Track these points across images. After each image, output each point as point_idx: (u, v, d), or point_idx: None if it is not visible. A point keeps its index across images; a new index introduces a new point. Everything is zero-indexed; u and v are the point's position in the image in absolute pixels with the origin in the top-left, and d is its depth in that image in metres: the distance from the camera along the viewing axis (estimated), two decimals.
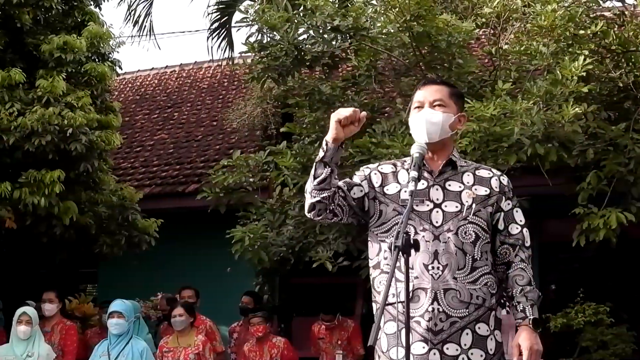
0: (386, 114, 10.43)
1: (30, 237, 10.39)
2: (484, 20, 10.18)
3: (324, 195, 4.20)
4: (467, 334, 4.14)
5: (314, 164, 4.20)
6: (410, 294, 4.01)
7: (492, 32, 10.29)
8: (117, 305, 8.49)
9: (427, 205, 4.23)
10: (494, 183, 4.34)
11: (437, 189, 4.28)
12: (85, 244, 11.03)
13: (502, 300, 4.35)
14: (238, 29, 10.18)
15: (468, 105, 8.38)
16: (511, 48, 9.65)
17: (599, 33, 8.81)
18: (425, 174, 4.29)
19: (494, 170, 4.44)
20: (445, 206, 4.23)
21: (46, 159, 9.89)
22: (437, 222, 4.20)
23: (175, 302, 10.50)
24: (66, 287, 12.93)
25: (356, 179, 4.38)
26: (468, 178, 4.33)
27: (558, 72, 8.50)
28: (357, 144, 8.88)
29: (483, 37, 11.35)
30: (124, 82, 20.58)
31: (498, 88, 8.72)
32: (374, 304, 4.34)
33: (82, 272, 15.29)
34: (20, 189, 9.70)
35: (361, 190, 4.33)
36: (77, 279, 15.44)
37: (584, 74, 8.42)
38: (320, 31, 9.54)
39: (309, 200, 4.24)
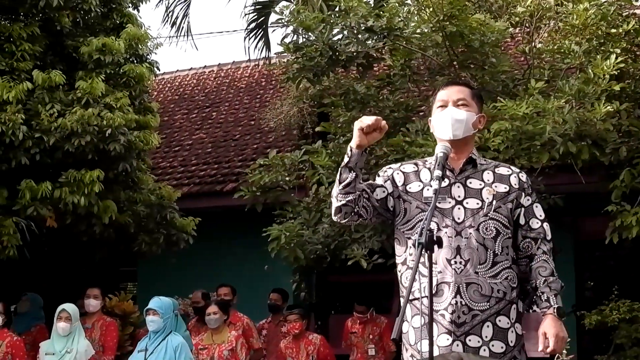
0: (421, 113, 10.49)
1: (70, 235, 10.51)
2: (517, 19, 10.24)
3: (349, 198, 4.37)
4: (488, 326, 4.29)
5: (339, 169, 4.35)
6: (435, 289, 4.15)
7: (526, 30, 10.36)
8: (152, 302, 8.65)
9: (449, 202, 4.37)
10: (513, 180, 4.48)
11: (458, 187, 4.42)
12: (124, 242, 11.15)
13: (521, 296, 4.47)
14: (274, 30, 10.30)
15: (501, 104, 8.46)
16: (545, 47, 9.71)
17: (631, 31, 8.86)
18: (447, 172, 4.42)
19: (513, 168, 4.58)
20: (467, 203, 4.37)
21: (86, 159, 10.00)
22: (458, 218, 4.34)
23: (209, 298, 10.67)
24: (107, 285, 13.12)
25: (379, 180, 4.54)
26: (488, 176, 4.46)
27: (590, 70, 8.56)
28: (391, 143, 8.97)
29: (519, 35, 11.37)
30: (162, 82, 20.77)
31: (531, 87, 8.77)
32: (401, 299, 4.47)
33: (122, 270, 15.46)
34: (61, 188, 9.81)
35: (384, 191, 4.48)
36: (118, 277, 15.61)
37: (617, 72, 8.48)
38: (355, 32, 9.63)
39: (335, 203, 4.41)
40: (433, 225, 4.25)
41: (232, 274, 12.65)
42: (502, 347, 4.30)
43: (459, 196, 4.40)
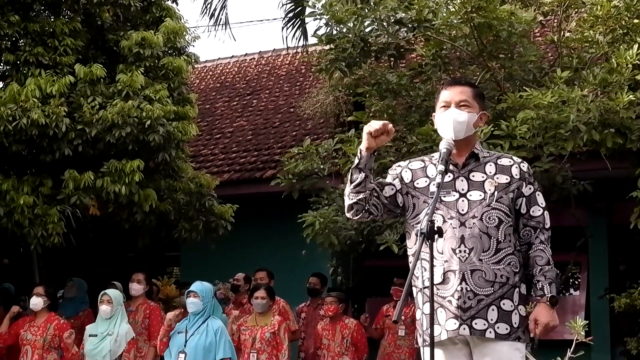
0: None
1: (113, 223, 10.87)
2: (546, 8, 10.41)
3: (360, 197, 4.68)
4: (492, 310, 4.56)
5: (350, 169, 4.67)
6: (442, 277, 4.52)
7: (554, 20, 10.52)
8: (194, 285, 9.00)
9: (454, 195, 4.65)
10: (515, 171, 4.74)
11: (462, 180, 4.69)
12: (165, 229, 11.48)
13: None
14: (315, 19, 10.52)
15: (526, 94, 8.68)
16: (573, 36, 9.88)
17: None
18: (451, 167, 4.69)
19: (515, 158, 4.83)
20: (470, 195, 4.65)
21: (126, 150, 10.31)
22: (462, 210, 4.62)
23: (251, 281, 10.99)
24: (152, 270, 13.51)
25: (389, 178, 4.84)
26: (490, 168, 4.73)
27: (614, 60, 8.74)
28: (420, 132, 9.18)
29: (549, 24, 11.51)
30: (204, 70, 20.98)
31: (557, 76, 8.97)
32: (414, 288, 4.75)
33: (167, 255, 15.80)
34: (103, 178, 10.12)
35: (392, 189, 4.78)
36: (163, 262, 15.96)
37: (638, 62, 8.65)
38: (385, 24, 9.87)
39: (347, 202, 4.74)
40: (439, 218, 4.57)
41: (272, 259, 12.93)
42: (506, 329, 4.58)
43: (462, 189, 4.67)
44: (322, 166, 10.26)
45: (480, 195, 4.65)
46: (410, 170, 4.83)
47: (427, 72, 10.46)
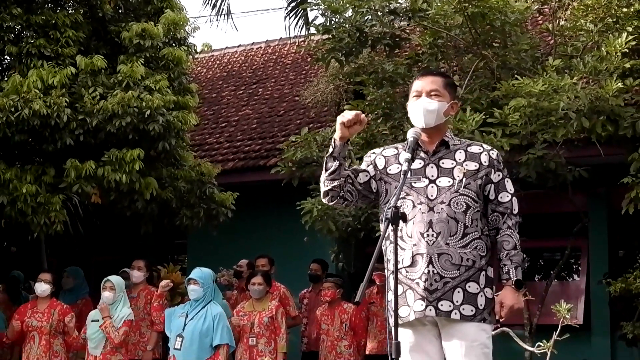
0: None
1: (115, 211, 11.06)
2: None
3: (335, 184, 4.88)
4: (458, 292, 4.75)
5: (325, 158, 4.87)
6: (411, 260, 4.72)
7: (549, 9, 10.65)
8: (194, 273, 9.25)
9: (423, 181, 4.84)
10: (484, 158, 4.93)
11: (432, 167, 4.88)
12: (167, 217, 11.67)
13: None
14: (311, 9, 10.69)
15: (517, 82, 8.83)
16: (567, 25, 10.01)
17: None
18: (422, 154, 4.89)
19: (485, 146, 5.02)
20: (439, 182, 4.84)
21: (127, 139, 10.47)
22: (432, 195, 4.81)
23: (254, 267, 11.17)
24: (159, 258, 13.72)
25: (363, 165, 5.04)
26: (460, 155, 4.92)
27: (603, 49, 8.87)
28: None
29: (546, 10, 11.61)
30: (212, 60, 21.12)
31: (549, 64, 9.11)
32: (386, 271, 4.93)
33: (176, 243, 15.98)
34: (104, 167, 10.28)
35: (367, 175, 4.98)
36: (171, 250, 16.15)
37: (628, 50, 8.78)
38: (379, 14, 10.01)
39: (322, 188, 4.95)
40: (409, 203, 4.78)
41: (277, 246, 13.10)
42: (472, 310, 4.77)
43: (432, 175, 4.86)
44: (320, 154, 10.39)
45: (449, 182, 4.83)
46: (384, 157, 5.02)
47: (424, 61, 10.60)
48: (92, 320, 9.58)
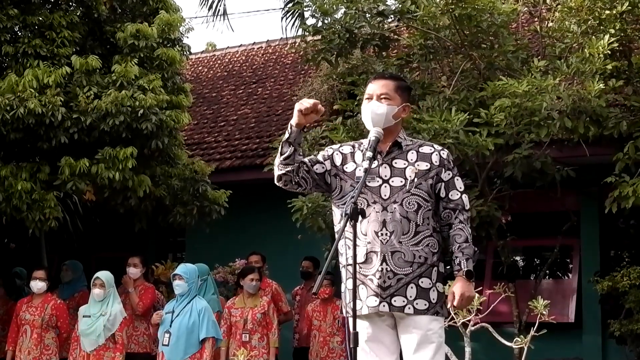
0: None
1: (109, 208, 11.24)
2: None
3: (288, 169, 4.99)
4: (411, 287, 4.93)
5: (281, 143, 4.97)
6: (365, 257, 4.90)
7: (536, 10, 10.78)
8: (179, 269, 9.40)
9: (377, 181, 5.00)
10: (434, 158, 5.09)
11: (385, 167, 5.03)
12: (161, 214, 11.86)
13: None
14: (301, 11, 10.81)
15: (501, 82, 8.98)
16: (553, 27, 10.14)
17: (625, 13, 9.22)
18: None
19: (436, 146, 5.18)
20: (392, 181, 5.00)
21: (120, 138, 10.64)
22: (385, 195, 4.97)
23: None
24: (158, 255, 13.87)
25: (320, 157, 5.16)
26: (412, 155, 5.07)
27: (586, 50, 9.02)
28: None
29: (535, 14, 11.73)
30: (213, 59, 21.20)
31: (533, 65, 9.26)
32: (340, 265, 5.08)
33: (177, 241, 16.13)
34: (97, 164, 10.46)
35: (323, 167, 5.10)
36: (169, 248, 16.30)
37: (609, 52, 8.93)
38: (367, 16, 10.16)
39: (276, 172, 5.05)
40: (364, 202, 4.92)
41: (271, 243, 13.26)
42: (425, 304, 4.95)
43: (385, 176, 5.01)
44: (310, 152, 10.51)
45: (401, 182, 4.99)
46: (342, 154, 5.15)
47: (415, 61, 10.73)
48: (83, 316, 9.70)
